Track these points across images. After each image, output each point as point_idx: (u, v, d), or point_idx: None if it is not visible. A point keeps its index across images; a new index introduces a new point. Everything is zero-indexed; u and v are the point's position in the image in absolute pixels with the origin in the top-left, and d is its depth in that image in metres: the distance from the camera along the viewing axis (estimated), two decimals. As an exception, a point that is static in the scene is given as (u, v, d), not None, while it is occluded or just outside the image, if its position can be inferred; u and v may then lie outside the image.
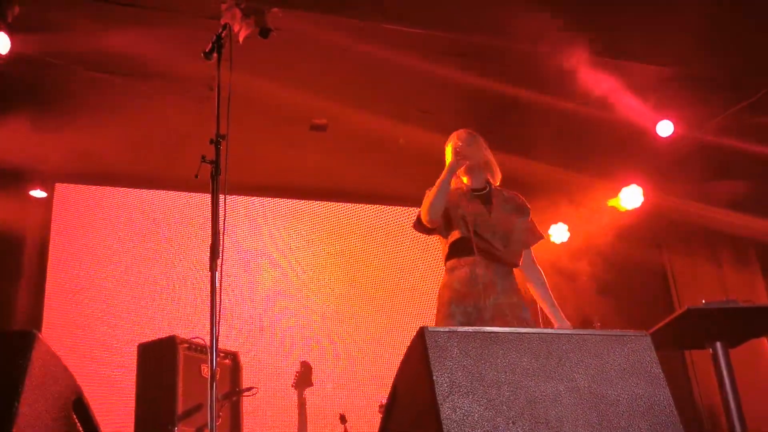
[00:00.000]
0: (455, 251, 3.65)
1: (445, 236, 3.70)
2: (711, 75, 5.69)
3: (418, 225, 3.77)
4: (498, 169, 3.87)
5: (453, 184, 3.72)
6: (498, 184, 3.87)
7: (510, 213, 3.75)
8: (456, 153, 3.64)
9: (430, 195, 3.62)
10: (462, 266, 3.59)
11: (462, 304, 3.52)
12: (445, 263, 3.74)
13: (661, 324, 3.47)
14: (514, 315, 3.49)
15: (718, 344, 3.59)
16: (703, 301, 3.47)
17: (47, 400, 2.12)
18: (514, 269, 3.72)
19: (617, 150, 6.64)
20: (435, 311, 3.71)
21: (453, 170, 3.64)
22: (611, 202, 7.19)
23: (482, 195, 3.76)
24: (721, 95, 5.98)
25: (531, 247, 3.84)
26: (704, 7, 4.80)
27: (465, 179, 3.81)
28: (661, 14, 4.92)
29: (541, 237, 3.88)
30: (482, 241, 3.58)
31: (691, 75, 5.74)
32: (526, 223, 3.81)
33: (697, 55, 5.37)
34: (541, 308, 3.85)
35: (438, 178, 3.65)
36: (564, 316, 3.70)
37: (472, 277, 3.55)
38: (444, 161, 3.78)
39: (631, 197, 7.02)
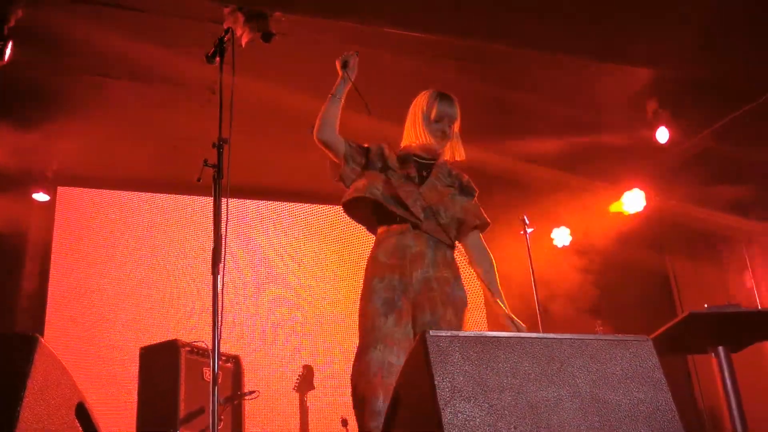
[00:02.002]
0: (383, 218, 3.36)
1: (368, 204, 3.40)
2: (713, 79, 5.69)
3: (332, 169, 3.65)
4: (462, 149, 3.52)
5: (406, 141, 3.50)
6: (454, 161, 3.52)
7: (445, 188, 3.41)
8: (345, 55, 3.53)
9: (322, 113, 3.53)
10: (390, 236, 3.29)
11: (386, 277, 3.20)
12: (373, 233, 3.47)
13: (663, 328, 3.46)
14: (441, 290, 3.20)
15: (721, 349, 3.58)
16: (706, 306, 3.47)
17: (49, 405, 2.12)
18: (453, 250, 3.40)
19: (619, 154, 6.64)
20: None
21: (342, 81, 3.51)
22: (613, 206, 7.19)
23: (423, 164, 3.45)
24: (724, 99, 5.98)
25: (478, 232, 3.48)
26: (707, 11, 4.79)
27: (416, 142, 3.46)
28: (663, 18, 4.92)
29: (487, 223, 3.51)
30: (403, 209, 3.29)
31: (694, 79, 5.74)
32: (470, 204, 3.47)
33: (699, 59, 5.37)
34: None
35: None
36: (507, 306, 3.37)
37: (400, 247, 3.26)
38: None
39: (633, 201, 7.02)
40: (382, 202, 3.29)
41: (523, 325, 3.28)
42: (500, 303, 3.33)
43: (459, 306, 3.24)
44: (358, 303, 3.27)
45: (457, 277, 3.30)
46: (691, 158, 6.56)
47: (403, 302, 3.15)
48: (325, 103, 3.46)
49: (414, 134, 3.46)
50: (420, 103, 3.50)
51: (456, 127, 3.47)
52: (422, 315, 3.14)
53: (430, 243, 3.27)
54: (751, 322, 3.61)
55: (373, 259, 3.30)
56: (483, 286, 3.39)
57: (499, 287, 3.40)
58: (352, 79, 3.46)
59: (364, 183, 3.37)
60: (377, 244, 3.34)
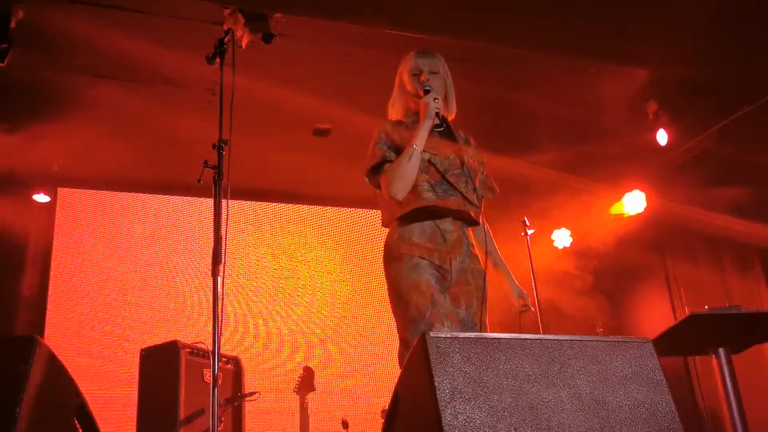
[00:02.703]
0: (418, 212, 3.04)
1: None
2: (713, 80, 5.69)
3: (372, 179, 3.17)
4: (454, 105, 3.29)
5: (398, 114, 3.24)
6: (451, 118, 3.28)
7: (476, 162, 3.21)
8: (426, 99, 3.00)
9: (400, 168, 2.97)
10: (426, 216, 3.01)
11: (428, 258, 2.96)
12: (390, 215, 3.14)
13: (663, 330, 3.47)
14: (476, 284, 3.03)
15: (721, 350, 3.58)
16: (706, 307, 3.47)
17: (49, 406, 2.12)
18: None
19: (620, 155, 6.64)
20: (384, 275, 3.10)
21: (428, 128, 3.00)
22: (614, 208, 7.19)
23: (441, 132, 3.18)
24: (724, 100, 5.98)
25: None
26: (706, 13, 4.79)
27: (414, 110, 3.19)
28: (663, 19, 4.92)
29: (496, 190, 3.32)
30: (453, 191, 3.04)
31: (693, 80, 5.74)
32: (484, 173, 3.27)
33: (699, 60, 5.37)
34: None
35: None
36: (514, 278, 3.26)
37: (439, 231, 3.01)
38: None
39: (633, 203, 7.02)
40: (439, 205, 3.03)
41: (527, 294, 3.23)
42: (507, 274, 3.26)
43: (486, 301, 3.08)
44: (392, 281, 3.00)
45: (482, 267, 3.13)
46: (692, 160, 6.56)
47: (446, 289, 2.97)
48: (404, 157, 2.98)
49: (405, 103, 3.25)
50: (398, 71, 3.32)
51: (441, 79, 3.22)
52: (457, 309, 2.95)
53: (463, 229, 3.09)
54: (751, 324, 3.61)
55: (404, 239, 3.02)
56: (482, 254, 3.19)
57: (503, 261, 3.30)
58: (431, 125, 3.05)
59: (414, 190, 3.04)
60: (407, 220, 3.04)
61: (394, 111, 3.31)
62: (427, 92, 3.05)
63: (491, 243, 3.25)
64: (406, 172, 2.97)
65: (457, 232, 3.05)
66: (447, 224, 3.03)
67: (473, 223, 3.16)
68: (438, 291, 2.89)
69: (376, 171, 3.12)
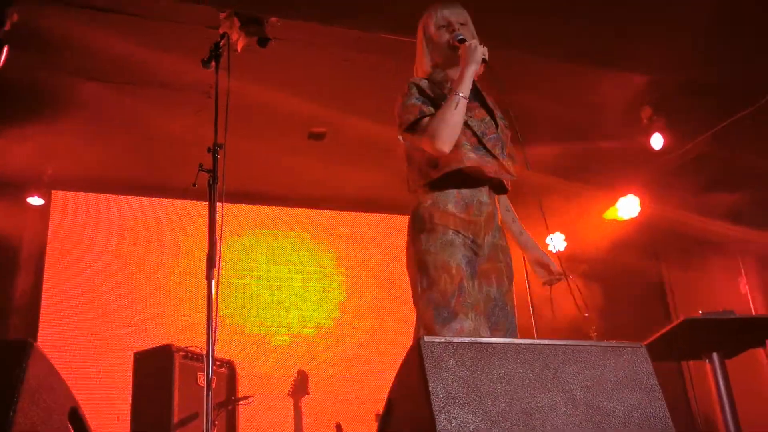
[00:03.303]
0: (455, 175, 2.78)
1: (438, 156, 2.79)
2: (708, 84, 5.71)
3: (407, 137, 2.86)
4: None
5: (425, 74, 2.95)
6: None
7: (507, 128, 3.02)
8: (471, 43, 2.72)
9: (445, 118, 2.68)
10: (462, 184, 2.76)
11: (462, 232, 2.74)
12: (425, 176, 2.83)
13: (657, 335, 3.48)
14: (506, 262, 2.85)
15: (715, 355, 3.60)
16: (700, 312, 3.49)
17: (43, 410, 2.11)
18: None
19: (614, 160, 6.65)
20: (405, 245, 2.88)
21: (473, 74, 2.73)
22: (608, 212, 7.20)
23: (474, 94, 2.89)
24: (719, 105, 6.00)
25: None
26: (702, 17, 4.81)
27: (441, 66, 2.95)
28: (658, 24, 4.93)
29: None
30: (491, 156, 2.81)
31: (689, 84, 5.75)
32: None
33: (694, 64, 5.38)
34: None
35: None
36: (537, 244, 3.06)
37: (476, 203, 2.78)
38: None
39: (628, 207, 7.04)
40: (482, 167, 2.77)
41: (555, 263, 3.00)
42: (534, 245, 3.07)
43: (513, 279, 2.90)
44: (420, 254, 2.75)
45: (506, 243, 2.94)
46: (686, 164, 6.58)
47: (478, 267, 2.76)
48: (449, 105, 2.70)
49: (432, 59, 2.98)
50: (421, 27, 3.04)
51: (470, 31, 2.98)
52: (489, 286, 2.76)
53: (495, 201, 2.88)
54: (744, 329, 3.63)
55: (438, 207, 2.76)
56: (505, 225, 3.05)
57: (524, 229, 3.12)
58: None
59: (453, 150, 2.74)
60: (441, 188, 2.78)
61: (421, 71, 3.02)
62: (462, 42, 2.80)
63: (513, 212, 3.11)
64: (454, 120, 2.68)
65: (492, 206, 2.84)
66: (484, 195, 2.81)
67: (504, 191, 2.97)
68: (468, 276, 2.68)
69: (412, 128, 2.79)
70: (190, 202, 7.17)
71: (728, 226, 6.37)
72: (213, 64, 3.48)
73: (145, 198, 7.19)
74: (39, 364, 2.14)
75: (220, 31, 4.48)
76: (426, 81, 2.92)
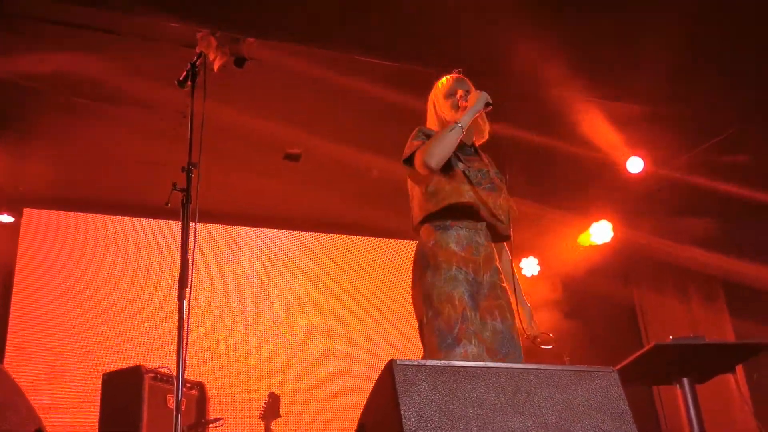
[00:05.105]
0: (453, 209, 3.04)
1: (436, 191, 3.08)
2: (680, 113, 5.79)
3: (408, 162, 3.17)
4: (488, 126, 3.39)
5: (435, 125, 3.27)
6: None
7: (502, 183, 3.26)
8: (479, 92, 3.09)
9: (440, 137, 3.01)
10: (461, 227, 3.02)
11: (464, 269, 2.96)
12: (426, 219, 3.10)
13: (629, 360, 3.49)
14: (506, 299, 3.06)
15: (685, 380, 3.62)
16: (671, 337, 3.51)
17: (6, 430, 2.07)
18: None
19: (587, 185, 6.71)
20: (411, 282, 3.08)
21: (477, 111, 3.08)
22: (582, 237, 7.26)
23: (473, 155, 3.29)
24: (690, 133, 6.09)
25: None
26: (674, 47, 4.89)
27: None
28: (631, 54, 5.01)
29: (515, 211, 3.31)
30: (487, 207, 3.07)
31: (661, 113, 5.83)
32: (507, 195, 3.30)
33: (666, 93, 5.46)
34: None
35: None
36: (525, 299, 3.28)
37: (474, 243, 3.03)
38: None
39: (600, 232, 7.09)
40: (479, 210, 3.06)
41: (550, 337, 3.20)
42: (522, 301, 3.22)
43: (515, 316, 3.10)
44: (426, 289, 2.96)
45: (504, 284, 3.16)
46: (658, 191, 6.65)
47: (480, 303, 2.98)
48: (444, 130, 3.05)
49: (442, 118, 3.28)
50: (430, 99, 3.39)
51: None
52: (493, 321, 2.95)
53: (493, 246, 3.15)
54: (715, 354, 3.65)
55: (441, 246, 3.00)
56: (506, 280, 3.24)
57: (518, 283, 3.29)
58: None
59: (451, 185, 3.06)
60: (444, 229, 3.04)
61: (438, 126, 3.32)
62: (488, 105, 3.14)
63: (517, 288, 3.27)
64: (446, 141, 3.01)
65: (489, 248, 3.10)
66: (480, 236, 3.08)
67: (500, 238, 3.23)
68: (470, 307, 2.89)
69: (412, 155, 3.11)
70: (162, 221, 7.11)
71: (699, 252, 6.44)
72: (189, 83, 3.46)
73: (117, 217, 7.11)
74: (4, 384, 2.10)
75: (197, 50, 4.48)
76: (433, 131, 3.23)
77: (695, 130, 6.03)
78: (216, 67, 4.68)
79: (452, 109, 3.23)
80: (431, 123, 3.35)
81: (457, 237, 3.01)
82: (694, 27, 4.74)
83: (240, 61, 4.82)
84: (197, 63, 3.46)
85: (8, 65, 5.02)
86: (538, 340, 3.22)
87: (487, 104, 3.11)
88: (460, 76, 3.36)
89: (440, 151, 2.98)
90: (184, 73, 3.42)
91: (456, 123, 3.03)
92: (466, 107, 3.11)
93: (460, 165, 3.10)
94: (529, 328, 3.21)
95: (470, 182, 3.07)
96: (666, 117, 5.87)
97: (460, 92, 3.26)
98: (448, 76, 3.37)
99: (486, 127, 3.38)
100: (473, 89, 3.29)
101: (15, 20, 4.65)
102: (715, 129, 6.01)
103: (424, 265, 3.01)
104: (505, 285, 3.12)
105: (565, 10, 4.69)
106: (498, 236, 3.21)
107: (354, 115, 5.91)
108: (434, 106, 3.35)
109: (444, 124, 3.21)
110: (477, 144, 3.37)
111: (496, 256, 3.15)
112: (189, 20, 4.61)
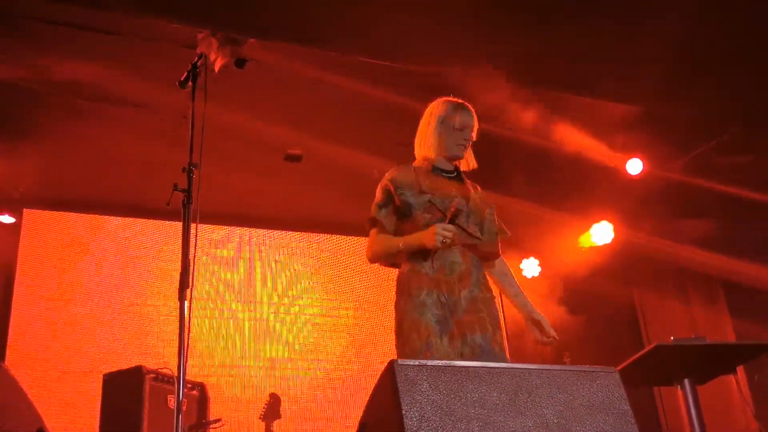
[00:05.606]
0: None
1: (403, 229, 3.22)
2: (679, 115, 5.79)
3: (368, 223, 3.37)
4: (473, 158, 3.43)
5: (428, 151, 3.32)
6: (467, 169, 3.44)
7: (482, 203, 3.34)
8: (439, 232, 3.01)
9: (385, 246, 3.21)
10: (433, 252, 3.10)
11: (434, 292, 3.07)
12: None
13: (630, 360, 3.49)
14: (489, 311, 3.12)
15: (686, 381, 3.62)
16: (672, 338, 3.51)
17: (7, 430, 2.07)
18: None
19: (588, 186, 6.71)
20: (393, 306, 3.21)
21: (419, 247, 3.12)
22: (582, 238, 7.25)
23: (452, 177, 3.34)
24: (690, 135, 6.08)
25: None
26: (673, 48, 4.89)
27: (438, 153, 3.32)
28: (631, 54, 5.01)
29: (507, 233, 3.43)
30: (458, 228, 3.13)
31: (660, 114, 5.83)
32: (493, 215, 3.36)
33: (665, 94, 5.46)
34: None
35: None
36: (534, 307, 3.38)
37: (447, 263, 3.12)
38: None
39: (601, 233, 7.08)
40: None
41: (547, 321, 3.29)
42: (531, 309, 3.35)
43: (502, 327, 3.19)
44: (398, 315, 3.11)
45: (494, 297, 3.23)
46: (659, 192, 6.65)
47: (454, 322, 3.04)
48: (392, 246, 3.20)
49: (435, 145, 3.32)
50: (436, 112, 3.37)
51: (474, 136, 3.38)
52: (473, 335, 3.01)
53: (474, 262, 3.19)
54: (716, 355, 3.65)
55: (414, 271, 3.14)
56: (507, 294, 3.42)
57: (522, 292, 3.42)
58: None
59: (412, 227, 3.19)
60: (415, 257, 3.15)
61: (425, 148, 3.36)
62: (454, 218, 3.11)
63: (518, 289, 3.43)
64: (390, 252, 3.22)
65: (466, 264, 3.15)
66: (455, 256, 3.13)
67: (483, 257, 3.27)
68: (436, 333, 2.98)
69: (371, 222, 3.32)
70: (163, 222, 7.11)
71: (699, 253, 6.44)
72: (190, 84, 3.46)
73: (119, 218, 7.12)
74: (6, 384, 2.10)
75: (198, 51, 4.48)
76: (410, 168, 3.33)
77: (695, 131, 6.02)
78: (217, 68, 4.69)
79: (458, 144, 3.29)
80: (421, 143, 3.37)
81: (429, 261, 3.10)
82: (694, 27, 4.74)
83: (241, 62, 4.83)
84: (198, 64, 3.46)
85: (9, 66, 5.02)
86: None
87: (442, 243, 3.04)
88: (468, 106, 3.37)
89: (383, 259, 3.28)
90: (185, 74, 3.42)
91: (399, 244, 3.15)
92: (424, 236, 3.07)
93: (426, 196, 3.18)
94: (547, 334, 3.29)
95: (439, 209, 3.14)
96: (665, 118, 5.87)
97: (465, 132, 3.30)
98: (452, 102, 3.38)
99: (471, 160, 3.40)
100: (476, 124, 3.33)
101: (15, 20, 4.66)
102: (714, 130, 6.01)
103: (399, 292, 3.16)
104: (488, 296, 3.17)
105: (565, 9, 4.69)
106: (482, 254, 3.26)
107: (354, 116, 5.92)
108: (431, 127, 3.35)
109: (440, 149, 3.29)
110: (463, 169, 3.41)
111: (479, 272, 3.20)
112: (190, 21, 4.61)
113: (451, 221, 3.06)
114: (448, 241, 3.01)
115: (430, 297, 3.05)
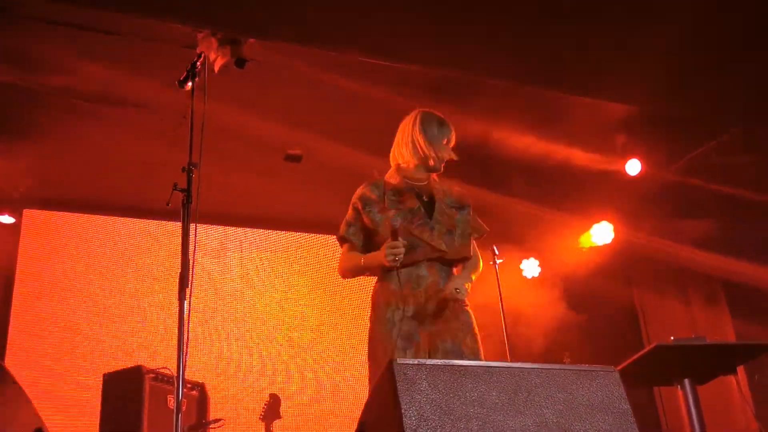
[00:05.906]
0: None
1: (372, 244, 3.32)
2: (679, 115, 5.79)
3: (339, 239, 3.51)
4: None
5: (407, 160, 3.38)
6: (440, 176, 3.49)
7: (451, 209, 3.35)
8: (390, 252, 3.08)
9: (352, 264, 3.34)
10: (398, 268, 3.16)
11: (401, 308, 3.15)
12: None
13: (630, 360, 3.49)
14: (458, 319, 3.18)
15: (687, 381, 3.62)
16: (672, 338, 3.51)
17: (7, 430, 2.07)
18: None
19: (588, 186, 6.71)
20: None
21: (377, 266, 3.27)
22: (582, 238, 7.25)
23: (422, 187, 3.38)
24: (689, 135, 6.09)
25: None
26: (673, 48, 4.89)
27: (413, 163, 3.38)
28: (631, 54, 5.01)
29: (486, 231, 3.47)
30: (419, 242, 3.20)
31: (660, 114, 5.83)
32: (468, 215, 3.40)
33: (665, 94, 5.46)
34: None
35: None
36: (468, 284, 3.29)
37: (414, 277, 3.19)
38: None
39: (601, 233, 7.08)
40: (415, 249, 3.20)
41: (465, 289, 3.20)
42: (463, 277, 3.29)
43: (475, 333, 3.22)
44: (369, 331, 3.26)
45: (466, 304, 3.26)
46: (659, 192, 6.64)
47: (421, 334, 3.13)
48: (356, 265, 3.33)
49: (412, 155, 3.37)
50: (416, 123, 3.41)
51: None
52: (443, 343, 3.11)
53: (441, 273, 3.24)
54: (716, 355, 3.65)
55: (383, 287, 3.26)
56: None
57: (471, 275, 3.35)
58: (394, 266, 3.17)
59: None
60: (386, 270, 3.24)
61: (402, 159, 3.42)
62: (396, 236, 3.13)
63: (467, 269, 3.37)
64: (352, 273, 3.40)
65: (433, 277, 3.21)
66: (421, 270, 3.21)
67: (451, 263, 3.31)
68: (401, 349, 3.08)
69: (341, 240, 3.48)
70: (163, 222, 7.11)
71: (699, 253, 6.43)
72: (189, 84, 3.46)
73: (119, 217, 7.12)
74: (4, 383, 2.10)
75: (198, 50, 4.48)
76: (380, 183, 3.46)
77: (695, 131, 6.03)
78: (217, 67, 4.68)
79: (441, 155, 3.35)
80: (398, 152, 3.44)
81: (396, 277, 3.17)
82: (694, 27, 4.74)
83: (240, 62, 4.82)
84: (198, 63, 3.46)
85: (9, 66, 5.02)
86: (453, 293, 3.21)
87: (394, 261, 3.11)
88: (445, 119, 3.43)
89: (351, 275, 3.42)
90: (185, 74, 3.42)
91: (361, 263, 3.28)
92: (380, 255, 3.15)
93: (390, 213, 3.26)
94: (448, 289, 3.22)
95: (402, 225, 3.21)
96: (667, 118, 5.88)
97: (450, 144, 3.40)
98: (431, 115, 3.42)
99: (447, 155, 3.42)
100: (454, 138, 3.41)
101: (15, 21, 4.66)
102: (715, 130, 6.01)
103: (371, 308, 3.30)
104: (462, 306, 3.21)
105: (564, 9, 4.69)
106: (451, 263, 3.30)
107: (354, 116, 5.92)
108: (409, 136, 3.39)
109: (418, 160, 3.34)
110: (437, 179, 3.45)
111: (446, 282, 3.21)
112: (190, 21, 4.61)
113: (395, 238, 3.08)
114: (400, 257, 3.06)
115: (396, 313, 3.15)
